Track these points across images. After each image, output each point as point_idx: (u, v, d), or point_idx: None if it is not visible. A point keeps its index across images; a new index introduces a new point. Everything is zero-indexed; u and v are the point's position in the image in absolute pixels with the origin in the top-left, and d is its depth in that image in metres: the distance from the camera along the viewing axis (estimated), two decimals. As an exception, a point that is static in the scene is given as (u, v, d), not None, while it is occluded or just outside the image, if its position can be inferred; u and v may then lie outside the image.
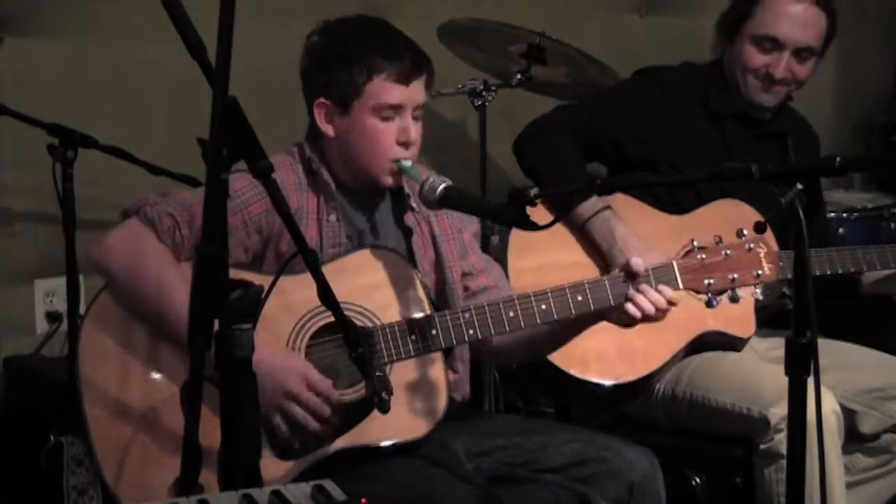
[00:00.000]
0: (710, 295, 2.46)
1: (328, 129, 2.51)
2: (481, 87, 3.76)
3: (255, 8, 3.53)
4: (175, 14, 1.72)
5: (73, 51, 3.52)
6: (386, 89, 2.45)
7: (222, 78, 1.70)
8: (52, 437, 3.08)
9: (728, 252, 2.44)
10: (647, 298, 2.41)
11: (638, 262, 2.46)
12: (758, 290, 2.46)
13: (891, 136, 5.04)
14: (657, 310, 2.41)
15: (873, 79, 5.24)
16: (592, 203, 2.98)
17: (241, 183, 2.39)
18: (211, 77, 1.72)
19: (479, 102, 3.77)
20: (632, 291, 2.42)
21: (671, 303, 2.43)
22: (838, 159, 2.08)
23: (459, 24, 3.75)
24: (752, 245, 2.44)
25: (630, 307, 2.41)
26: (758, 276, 2.44)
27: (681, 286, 2.47)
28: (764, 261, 2.44)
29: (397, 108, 2.47)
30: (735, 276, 2.44)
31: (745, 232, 2.45)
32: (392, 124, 2.48)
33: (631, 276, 2.44)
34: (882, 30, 5.24)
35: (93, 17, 3.54)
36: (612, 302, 2.44)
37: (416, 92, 2.49)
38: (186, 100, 3.47)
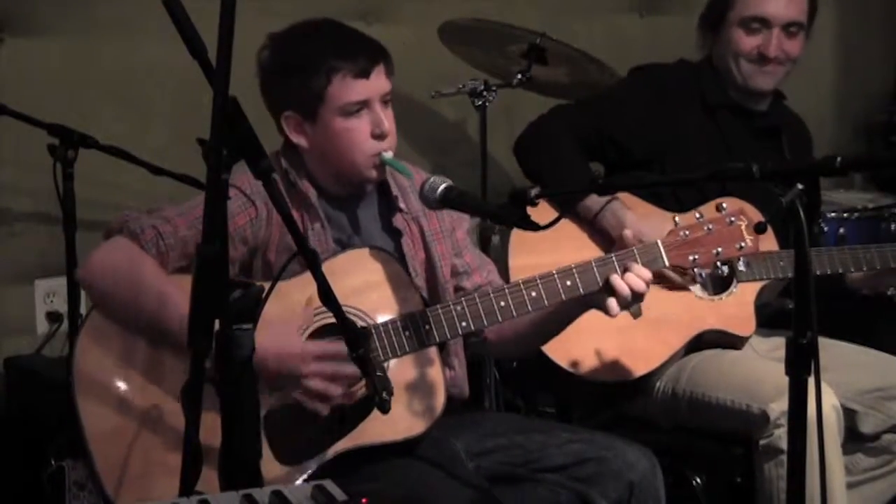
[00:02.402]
0: (695, 271, 2.49)
1: (301, 141, 2.50)
2: (481, 87, 3.76)
3: (255, 8, 3.53)
4: (175, 14, 1.72)
5: (73, 51, 3.53)
6: (347, 87, 2.43)
7: (222, 78, 1.70)
8: (53, 462, 3.07)
9: (710, 227, 2.48)
10: (634, 273, 2.41)
11: (627, 233, 2.47)
12: (741, 263, 2.49)
13: (891, 136, 5.04)
14: (636, 294, 2.41)
15: (873, 79, 5.24)
16: (600, 196, 2.98)
17: None
18: (211, 77, 1.72)
19: (480, 102, 3.77)
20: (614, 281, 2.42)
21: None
22: (838, 159, 2.08)
23: (459, 24, 3.75)
24: (732, 218, 2.48)
25: (617, 281, 2.41)
26: (741, 248, 2.47)
27: (667, 263, 2.49)
28: (745, 233, 2.47)
29: (364, 103, 2.45)
30: (719, 249, 2.47)
31: (725, 206, 2.48)
32: (363, 120, 2.46)
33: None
34: (882, 30, 5.24)
35: (93, 17, 3.54)
36: (600, 284, 2.44)
37: (377, 82, 2.46)
38: (186, 100, 3.48)
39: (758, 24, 3.12)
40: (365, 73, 2.44)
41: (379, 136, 2.46)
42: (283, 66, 2.47)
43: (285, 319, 2.33)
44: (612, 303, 2.42)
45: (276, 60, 2.48)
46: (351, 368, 2.25)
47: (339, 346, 2.22)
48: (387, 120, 2.47)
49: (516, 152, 3.19)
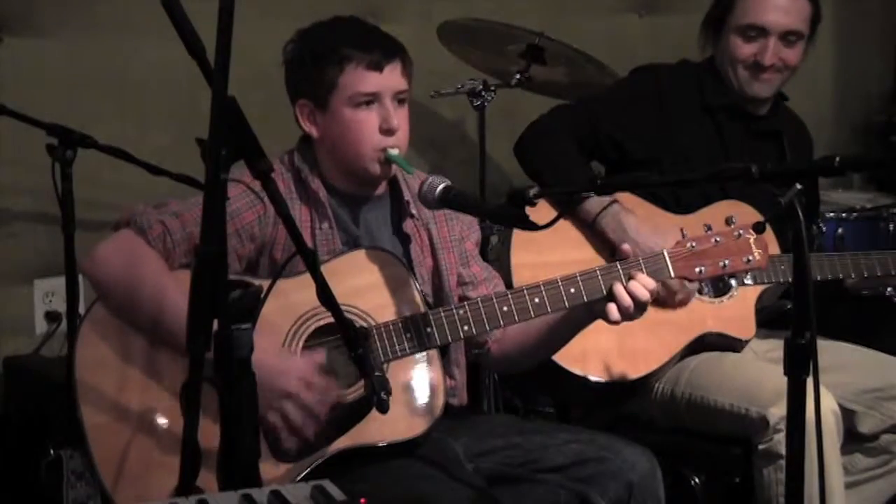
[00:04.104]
0: (702, 283, 2.49)
1: (312, 130, 2.52)
2: (481, 87, 3.76)
3: (255, 8, 3.53)
4: (175, 14, 1.72)
5: (73, 51, 3.52)
6: (359, 77, 2.45)
7: (222, 78, 1.70)
8: (51, 451, 3.06)
9: (717, 239, 2.47)
10: (638, 282, 2.41)
11: (626, 247, 2.48)
12: (748, 277, 2.49)
13: (891, 136, 5.04)
14: (638, 303, 2.41)
15: (873, 79, 5.24)
16: (600, 199, 2.98)
17: (234, 191, 2.38)
18: (210, 77, 1.72)
19: (479, 102, 3.77)
20: (616, 290, 2.42)
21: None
22: (838, 159, 2.08)
23: (459, 24, 3.76)
24: (741, 232, 2.47)
25: (609, 307, 2.41)
26: (748, 261, 2.47)
27: (672, 274, 2.48)
28: (754, 247, 2.47)
29: (374, 96, 2.46)
30: (726, 262, 2.47)
31: (735, 219, 2.47)
32: (372, 113, 2.47)
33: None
34: (882, 29, 5.24)
35: (93, 16, 3.54)
36: (604, 292, 2.44)
37: (391, 77, 2.47)
38: (186, 100, 3.48)
39: (755, 31, 3.12)
40: (378, 66, 2.45)
41: (387, 131, 2.47)
42: (302, 55, 2.50)
43: (277, 331, 2.34)
44: (612, 308, 2.41)
45: (298, 50, 2.52)
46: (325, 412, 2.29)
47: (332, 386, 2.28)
48: (398, 118, 2.48)
49: (517, 152, 3.19)
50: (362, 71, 2.45)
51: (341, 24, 2.54)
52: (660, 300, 2.85)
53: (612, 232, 2.98)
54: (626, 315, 2.42)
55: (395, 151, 2.48)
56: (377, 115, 2.47)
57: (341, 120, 2.47)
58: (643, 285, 2.41)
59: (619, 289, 2.41)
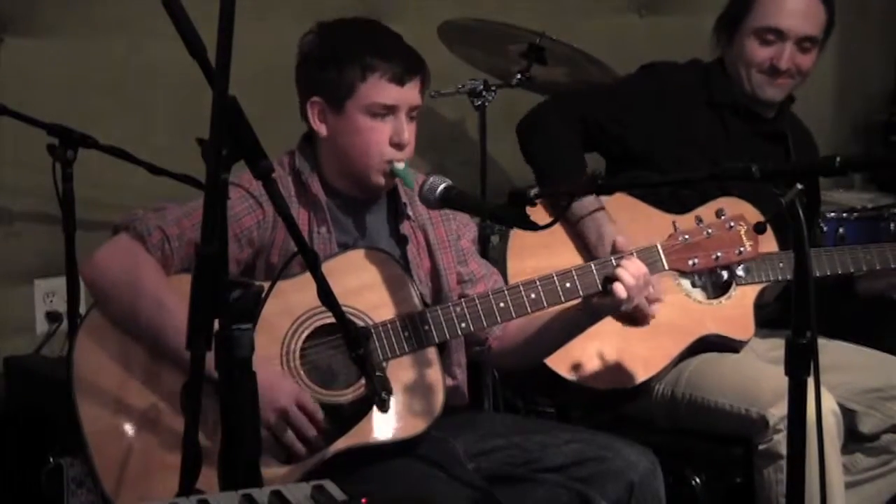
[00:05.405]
0: (695, 276, 2.50)
1: (321, 129, 2.51)
2: (481, 87, 3.76)
3: (255, 8, 3.53)
4: (175, 14, 1.72)
5: (73, 51, 3.52)
6: (380, 89, 2.45)
7: (222, 78, 1.70)
8: (51, 459, 3.06)
9: (709, 231, 2.49)
10: (627, 272, 2.41)
11: (622, 241, 2.49)
12: (740, 269, 2.50)
13: (891, 136, 5.05)
14: (637, 287, 2.41)
15: (873, 79, 5.24)
16: (589, 202, 2.97)
17: (233, 195, 2.37)
18: (211, 77, 1.72)
19: (479, 102, 3.77)
20: (616, 271, 2.42)
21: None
22: (838, 159, 2.08)
23: (459, 24, 3.76)
24: (732, 223, 2.49)
25: (616, 286, 2.41)
26: (740, 252, 2.48)
27: (666, 267, 2.50)
28: (745, 238, 2.49)
29: (391, 109, 2.47)
30: (718, 254, 2.49)
31: (726, 211, 2.49)
32: (386, 124, 2.47)
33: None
34: (882, 29, 5.24)
35: (93, 17, 3.54)
36: (599, 286, 2.44)
37: (410, 93, 2.48)
38: (186, 100, 3.47)
39: (772, 35, 3.10)
40: (400, 80, 2.45)
41: (397, 144, 2.48)
42: (322, 53, 2.49)
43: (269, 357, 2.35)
44: (618, 287, 2.40)
45: (318, 46, 2.51)
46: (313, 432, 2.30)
47: (318, 410, 2.30)
48: (408, 132, 2.48)
49: (518, 134, 3.18)
50: (385, 83, 2.45)
51: (367, 28, 2.54)
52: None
53: (591, 234, 2.97)
54: (634, 289, 2.41)
55: (400, 165, 2.48)
56: (391, 127, 2.47)
57: (354, 126, 2.47)
58: (635, 266, 2.42)
59: (616, 273, 2.41)
